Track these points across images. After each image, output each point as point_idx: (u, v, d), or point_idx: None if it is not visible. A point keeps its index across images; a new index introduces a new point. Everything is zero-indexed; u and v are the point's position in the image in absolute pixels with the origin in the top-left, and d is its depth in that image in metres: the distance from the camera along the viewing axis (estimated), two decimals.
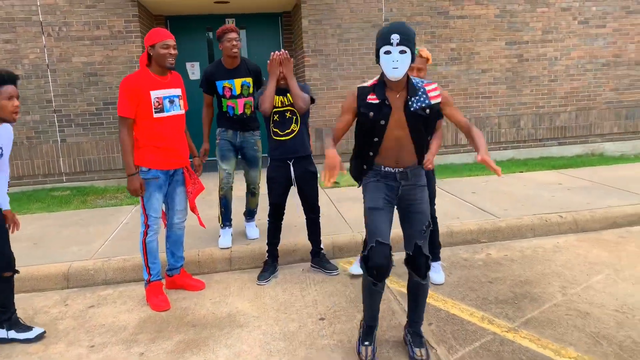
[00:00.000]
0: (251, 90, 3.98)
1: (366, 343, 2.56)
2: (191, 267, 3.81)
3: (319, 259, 3.77)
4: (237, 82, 3.92)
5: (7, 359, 2.74)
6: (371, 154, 2.46)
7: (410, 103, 2.35)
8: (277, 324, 2.99)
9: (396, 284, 3.46)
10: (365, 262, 2.39)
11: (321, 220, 3.77)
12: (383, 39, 2.25)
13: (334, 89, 7.04)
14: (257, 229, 4.31)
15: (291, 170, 3.54)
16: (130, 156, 3.09)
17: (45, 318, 3.21)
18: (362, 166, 2.55)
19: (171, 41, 3.10)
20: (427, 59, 3.25)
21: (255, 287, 3.53)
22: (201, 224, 3.62)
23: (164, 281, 3.55)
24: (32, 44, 6.35)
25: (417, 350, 2.50)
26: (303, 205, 3.66)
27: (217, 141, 4.07)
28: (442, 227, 4.18)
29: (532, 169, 6.55)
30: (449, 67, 7.25)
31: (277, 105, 3.49)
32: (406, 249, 2.50)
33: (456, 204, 4.98)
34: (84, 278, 3.73)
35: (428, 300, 3.17)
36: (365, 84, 2.45)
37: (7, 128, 2.81)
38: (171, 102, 3.20)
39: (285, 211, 3.65)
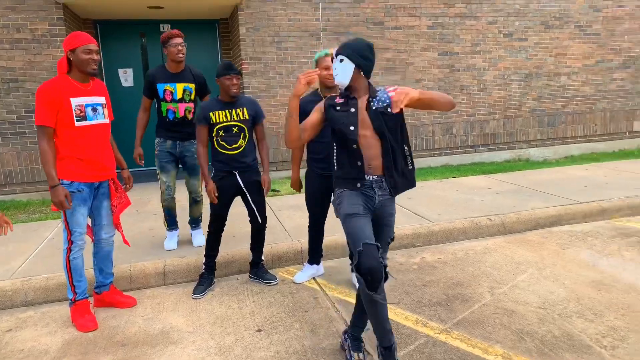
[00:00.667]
0: (193, 96, 3.98)
1: (360, 353, 2.54)
2: (122, 283, 3.63)
3: (258, 269, 3.72)
4: (180, 87, 3.91)
5: None
6: (346, 162, 2.45)
7: (371, 104, 2.43)
8: (212, 338, 2.90)
9: (334, 291, 3.48)
10: (358, 270, 2.26)
11: None
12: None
13: (274, 97, 7.03)
14: (203, 237, 4.24)
15: (238, 179, 3.48)
16: (52, 167, 2.90)
17: None
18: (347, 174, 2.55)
19: (93, 46, 2.94)
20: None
21: (191, 302, 3.42)
22: (125, 241, 3.42)
23: (91, 299, 3.36)
24: None
25: (354, 354, 2.52)
26: (251, 215, 3.59)
27: (156, 152, 4.02)
28: None
29: (464, 174, 6.85)
30: (385, 76, 7.45)
31: (221, 120, 3.42)
32: None
33: None
34: (0, 300, 3.44)
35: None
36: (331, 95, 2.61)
37: None
38: (94, 110, 3.04)
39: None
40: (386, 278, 2.32)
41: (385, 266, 2.34)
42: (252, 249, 3.70)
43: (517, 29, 7.98)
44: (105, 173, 3.14)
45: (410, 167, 2.52)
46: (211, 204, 3.49)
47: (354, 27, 7.23)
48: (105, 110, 3.14)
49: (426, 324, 2.95)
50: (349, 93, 2.48)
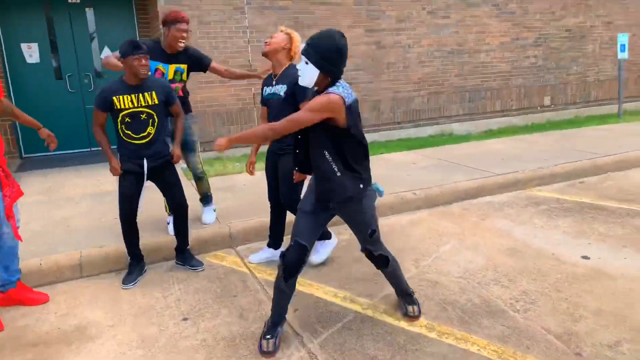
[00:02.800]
0: (185, 76, 3.91)
1: (267, 337, 2.50)
2: (32, 279, 3.34)
3: (184, 255, 3.57)
4: (172, 68, 3.81)
5: None
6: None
7: None
8: (134, 330, 2.76)
9: (264, 273, 3.43)
10: (282, 257, 2.50)
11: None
12: None
13: (197, 74, 6.70)
14: (214, 213, 4.18)
15: (145, 167, 3.25)
16: None
17: None
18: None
19: None
20: (291, 39, 3.28)
21: (110, 294, 3.22)
22: (17, 235, 3.00)
23: None
24: None
25: (262, 342, 2.51)
26: (168, 200, 3.41)
27: None
28: None
29: (391, 150, 7.00)
30: None
31: (127, 106, 3.14)
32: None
33: None
34: None
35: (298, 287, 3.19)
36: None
37: None
38: None
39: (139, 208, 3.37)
40: (387, 264, 2.63)
41: (383, 256, 2.61)
42: (175, 234, 3.54)
43: (440, 7, 8.16)
44: None
45: (339, 174, 2.41)
46: (120, 185, 3.27)
47: (280, 1, 7.04)
48: None
49: (355, 300, 3.00)
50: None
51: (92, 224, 4.17)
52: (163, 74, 3.77)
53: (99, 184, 5.55)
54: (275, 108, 3.22)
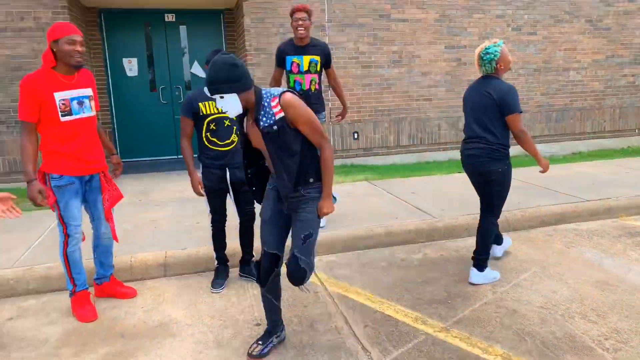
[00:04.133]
0: (318, 67, 4.24)
1: (259, 342, 2.64)
2: (122, 274, 3.62)
3: (249, 267, 3.61)
4: (306, 59, 4.19)
5: None
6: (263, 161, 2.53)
7: (260, 122, 2.34)
8: (211, 331, 2.89)
9: (334, 286, 3.46)
10: (257, 266, 2.62)
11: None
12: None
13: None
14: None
15: (227, 177, 3.36)
16: (29, 162, 2.80)
17: None
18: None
19: (77, 36, 2.82)
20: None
21: (190, 294, 3.41)
22: (114, 236, 3.29)
23: (91, 289, 3.36)
24: None
25: (254, 344, 2.64)
26: (238, 208, 3.52)
27: None
28: (381, 227, 4.23)
29: None
30: (391, 69, 7.37)
31: (212, 112, 3.25)
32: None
33: (395, 203, 5.07)
34: (2, 289, 3.45)
35: (364, 302, 3.19)
36: None
37: None
38: (80, 103, 2.95)
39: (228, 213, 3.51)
40: (300, 280, 2.46)
41: (302, 270, 2.44)
42: (241, 245, 3.60)
43: (526, 23, 7.85)
44: (94, 166, 3.08)
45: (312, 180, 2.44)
46: (208, 198, 3.43)
47: (360, 18, 7.15)
48: (92, 103, 3.04)
49: (426, 322, 2.93)
50: (246, 114, 2.43)
51: (176, 227, 4.44)
52: (298, 65, 4.18)
53: (183, 190, 5.91)
54: None
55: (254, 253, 3.64)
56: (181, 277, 3.72)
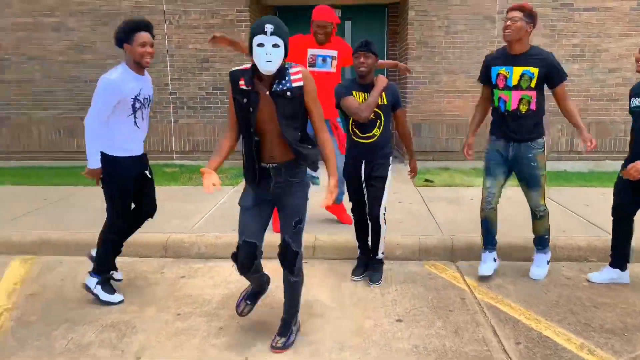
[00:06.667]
0: (533, 84, 3.16)
1: (248, 302, 2.76)
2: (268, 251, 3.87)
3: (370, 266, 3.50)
4: (517, 71, 3.17)
5: (108, 314, 3.02)
6: (252, 148, 2.41)
7: (274, 86, 2.34)
8: (352, 319, 2.93)
9: (485, 295, 3.22)
10: (233, 257, 2.58)
11: (410, 219, 3.62)
12: (256, 30, 2.25)
13: (437, 83, 6.75)
14: (546, 267, 3.50)
15: (362, 171, 3.32)
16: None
17: (144, 282, 3.49)
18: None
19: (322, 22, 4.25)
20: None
21: (335, 280, 3.50)
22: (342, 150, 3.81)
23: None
24: (155, 31, 6.92)
25: (276, 336, 2.62)
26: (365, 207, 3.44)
27: (486, 149, 3.46)
28: None
29: None
30: (570, 64, 6.55)
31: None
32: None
33: (564, 215, 4.52)
34: (179, 250, 3.99)
35: (519, 317, 2.91)
36: (237, 68, 2.43)
37: (150, 78, 3.14)
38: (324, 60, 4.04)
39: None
40: (294, 264, 2.51)
41: (296, 253, 2.49)
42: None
43: None
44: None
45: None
46: (347, 190, 3.47)
47: (537, 8, 6.41)
48: (334, 62, 4.18)
49: (594, 352, 2.54)
50: (253, 77, 2.37)
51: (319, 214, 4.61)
52: (506, 78, 3.21)
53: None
54: None
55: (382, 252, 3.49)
56: (326, 260, 3.83)
